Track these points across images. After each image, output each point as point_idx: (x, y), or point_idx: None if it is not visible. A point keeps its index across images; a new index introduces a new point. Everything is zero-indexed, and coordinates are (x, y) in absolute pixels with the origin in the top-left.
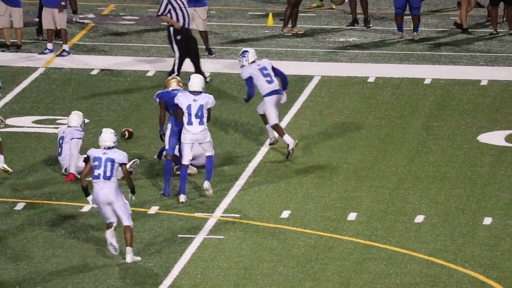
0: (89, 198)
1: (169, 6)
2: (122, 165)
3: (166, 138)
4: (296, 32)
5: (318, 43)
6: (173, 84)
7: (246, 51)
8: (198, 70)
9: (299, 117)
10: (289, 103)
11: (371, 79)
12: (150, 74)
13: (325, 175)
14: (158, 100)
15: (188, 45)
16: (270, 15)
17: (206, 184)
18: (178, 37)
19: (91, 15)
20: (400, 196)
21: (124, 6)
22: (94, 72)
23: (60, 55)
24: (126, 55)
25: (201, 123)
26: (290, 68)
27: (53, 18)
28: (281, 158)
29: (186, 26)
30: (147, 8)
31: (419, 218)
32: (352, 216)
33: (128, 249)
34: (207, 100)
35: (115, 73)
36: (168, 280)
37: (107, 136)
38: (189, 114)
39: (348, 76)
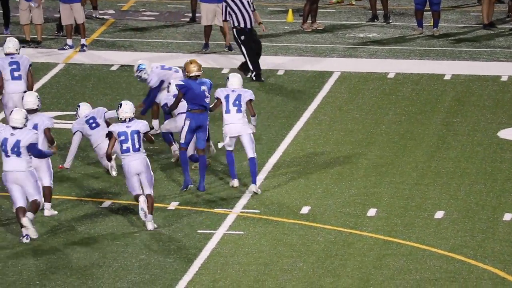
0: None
1: (228, 9)
2: (146, 133)
3: (183, 133)
4: (315, 28)
5: (338, 39)
6: (194, 70)
7: (142, 64)
8: (246, 66)
9: (319, 113)
10: (309, 99)
11: (391, 75)
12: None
13: (345, 171)
14: (178, 88)
15: (254, 44)
16: (290, 11)
17: (254, 188)
18: (242, 37)
19: (111, 11)
20: (420, 192)
21: (143, 2)
22: (113, 68)
23: (81, 50)
24: (146, 51)
25: (239, 111)
26: (310, 63)
27: (71, 14)
28: (301, 154)
29: (249, 26)
30: (167, 4)
31: (439, 214)
32: (372, 212)
33: (149, 217)
34: (245, 93)
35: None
36: (188, 276)
37: (128, 107)
38: (227, 102)
39: (368, 72)
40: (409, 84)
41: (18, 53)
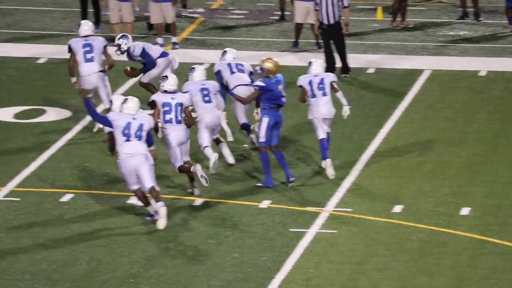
0: (159, 135)
1: (318, 0)
2: (187, 107)
3: (262, 131)
4: (405, 25)
5: (428, 36)
6: (276, 73)
7: (126, 36)
8: (343, 64)
9: (410, 111)
10: (400, 97)
11: (482, 73)
12: (258, 68)
13: (437, 169)
14: (257, 88)
15: (333, 40)
16: (379, 8)
17: (328, 163)
18: (320, 31)
19: (201, 9)
20: None
21: (233, 0)
22: (204, 66)
23: (173, 48)
24: (236, 49)
25: (324, 94)
26: (400, 62)
27: (162, 13)
28: (392, 153)
29: (326, 22)
30: (256, 2)
31: None
32: (465, 211)
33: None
34: (327, 76)
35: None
36: (281, 275)
37: (174, 80)
38: (311, 88)
39: (459, 70)
40: (501, 82)
41: (93, 35)
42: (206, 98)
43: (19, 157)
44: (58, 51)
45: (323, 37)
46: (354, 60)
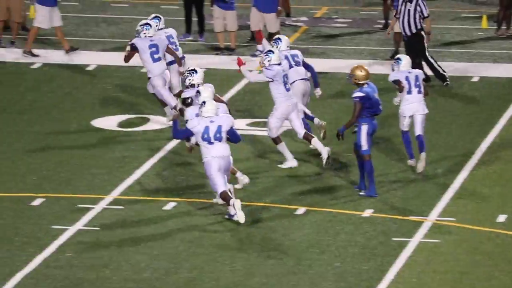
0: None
1: (399, 8)
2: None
3: (363, 140)
4: (510, 34)
5: None
6: (366, 78)
7: (157, 16)
8: (437, 74)
9: None
10: (504, 105)
11: None
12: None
13: None
14: (358, 100)
15: (415, 51)
16: (484, 17)
17: (423, 156)
18: (402, 41)
19: (304, 18)
20: None
21: (336, 9)
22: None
23: None
24: (339, 57)
25: (419, 92)
26: (505, 70)
27: (261, 20)
28: (496, 161)
29: (403, 33)
30: (359, 10)
31: None
32: None
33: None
34: (420, 72)
35: (328, 76)
36: (383, 284)
37: (203, 74)
38: (409, 84)
39: None
40: None
41: (155, 34)
42: (288, 86)
43: (123, 166)
44: None
45: (407, 48)
46: (458, 68)
